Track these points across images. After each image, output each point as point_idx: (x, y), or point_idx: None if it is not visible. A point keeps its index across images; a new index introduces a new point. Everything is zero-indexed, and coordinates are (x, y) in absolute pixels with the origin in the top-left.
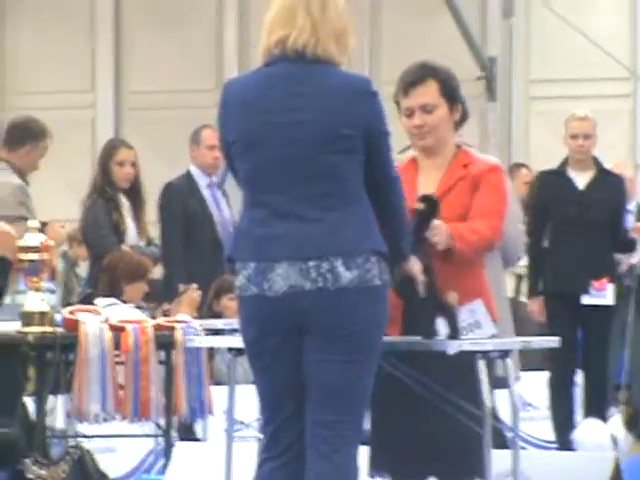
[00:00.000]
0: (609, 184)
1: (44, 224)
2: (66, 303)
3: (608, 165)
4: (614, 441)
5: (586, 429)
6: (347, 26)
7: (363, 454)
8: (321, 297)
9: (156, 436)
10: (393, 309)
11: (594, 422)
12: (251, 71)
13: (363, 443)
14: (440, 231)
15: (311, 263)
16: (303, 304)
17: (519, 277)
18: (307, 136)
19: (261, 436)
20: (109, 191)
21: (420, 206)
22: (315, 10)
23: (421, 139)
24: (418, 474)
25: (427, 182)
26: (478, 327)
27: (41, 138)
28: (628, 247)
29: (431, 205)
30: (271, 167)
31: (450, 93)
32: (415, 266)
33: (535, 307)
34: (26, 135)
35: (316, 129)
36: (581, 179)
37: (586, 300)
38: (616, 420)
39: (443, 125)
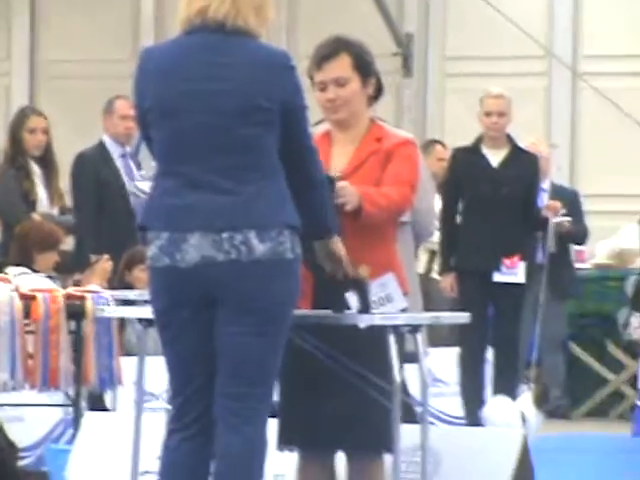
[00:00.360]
0: (523, 162)
1: None
2: None
3: (523, 143)
4: (523, 419)
5: (495, 406)
6: None
7: (272, 427)
8: (233, 269)
9: (65, 405)
10: (304, 282)
11: (503, 399)
12: (170, 39)
13: (272, 416)
14: (347, 192)
15: (224, 235)
16: (215, 275)
17: (432, 253)
18: (224, 106)
19: (169, 407)
20: (20, 159)
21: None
22: None
23: (334, 113)
24: (327, 447)
25: (340, 155)
26: (389, 301)
27: None
28: (541, 225)
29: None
30: (187, 136)
31: (363, 67)
32: (339, 244)
33: (447, 283)
34: None
35: (233, 100)
36: (495, 157)
37: (497, 277)
38: (526, 397)
39: (356, 99)
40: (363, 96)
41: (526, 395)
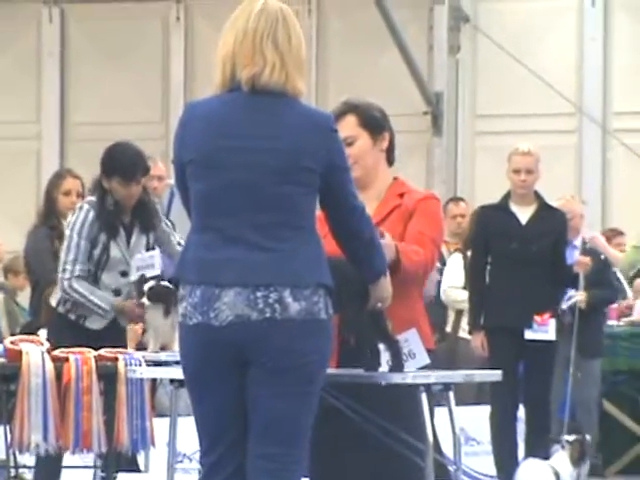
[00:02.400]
0: (551, 219)
1: None
2: (11, 334)
3: (555, 201)
4: (557, 477)
5: (528, 469)
6: (304, 53)
7: None
8: (268, 327)
9: (97, 467)
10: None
11: (535, 461)
12: (215, 95)
13: (304, 475)
14: (386, 244)
15: (259, 293)
16: (249, 334)
17: (459, 312)
18: (268, 164)
19: (200, 467)
20: (53, 220)
21: None
22: (282, 41)
23: None
24: None
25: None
26: (412, 357)
27: None
28: (571, 282)
29: None
30: (226, 191)
31: (370, 123)
32: (388, 285)
33: (477, 342)
34: None
35: (277, 158)
36: (523, 214)
37: (529, 335)
38: (561, 456)
39: (368, 155)
40: (376, 152)
41: (561, 454)
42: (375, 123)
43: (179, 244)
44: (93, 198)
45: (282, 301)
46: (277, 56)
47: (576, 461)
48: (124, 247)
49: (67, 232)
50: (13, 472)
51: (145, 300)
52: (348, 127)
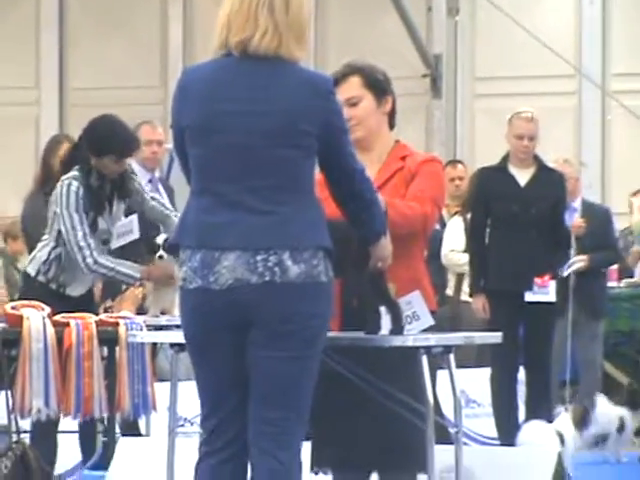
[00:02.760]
0: (550, 181)
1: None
2: (10, 299)
3: (551, 162)
4: (561, 438)
5: (530, 431)
6: (307, 21)
7: (305, 450)
8: (267, 291)
9: (99, 432)
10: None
11: (537, 423)
12: (212, 60)
13: (305, 439)
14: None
15: (259, 257)
16: (248, 298)
17: (460, 276)
18: (265, 127)
19: (201, 431)
20: (50, 185)
21: None
22: (279, 7)
23: (352, 133)
24: (361, 469)
25: None
26: (416, 319)
27: None
28: (567, 243)
29: None
30: (224, 155)
31: (374, 84)
32: (388, 245)
33: (479, 304)
34: None
35: (274, 121)
36: (522, 176)
37: (529, 297)
38: (563, 418)
39: (371, 116)
40: (379, 113)
41: (564, 416)
42: (379, 85)
43: (153, 199)
44: (76, 173)
45: (282, 264)
46: (271, 22)
47: (579, 424)
48: (108, 217)
49: (62, 211)
50: (15, 437)
51: (163, 253)
52: (352, 87)
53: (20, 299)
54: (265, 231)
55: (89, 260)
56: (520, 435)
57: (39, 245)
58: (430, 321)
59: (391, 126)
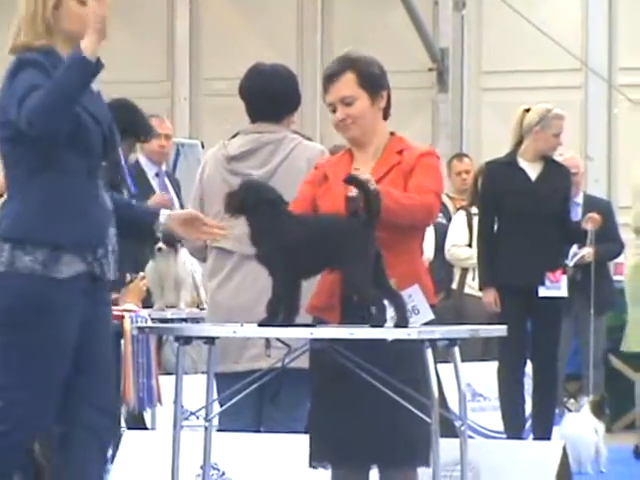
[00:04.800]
0: (558, 175)
1: None
2: None
3: (557, 156)
4: (596, 430)
5: (570, 423)
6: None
7: (304, 444)
8: None
9: None
10: (331, 296)
11: (577, 415)
12: None
13: (304, 432)
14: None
15: None
16: None
17: (464, 270)
18: None
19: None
20: None
21: (352, 193)
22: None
23: (346, 131)
24: (361, 463)
25: (362, 172)
26: (416, 313)
27: None
28: (580, 238)
29: (362, 188)
30: None
31: (369, 82)
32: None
33: (490, 298)
34: None
35: None
36: (532, 170)
37: (542, 292)
38: (587, 410)
39: (366, 115)
40: (374, 111)
41: (586, 409)
42: (374, 82)
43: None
44: None
45: None
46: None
47: (600, 416)
48: None
49: None
50: None
51: (161, 244)
52: (347, 86)
53: None
54: None
55: None
56: (562, 426)
57: None
58: (430, 315)
59: (385, 117)
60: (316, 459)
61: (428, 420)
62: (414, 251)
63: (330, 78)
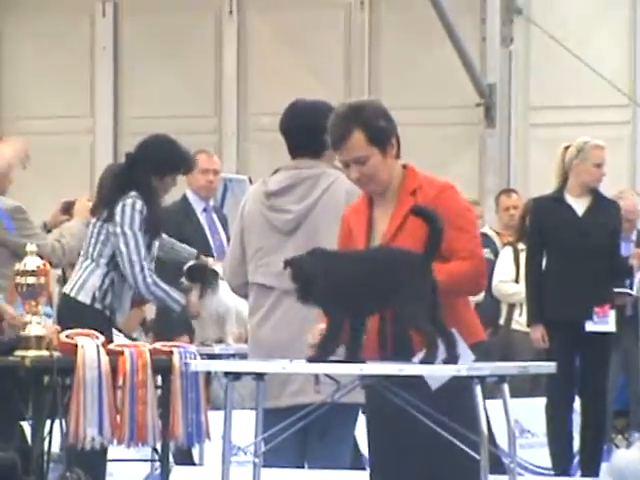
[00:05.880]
0: (606, 210)
1: (71, 203)
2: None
3: (610, 193)
4: None
5: (622, 459)
6: None
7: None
8: None
9: (153, 460)
10: (371, 333)
11: (627, 452)
12: None
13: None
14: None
15: None
16: None
17: (511, 306)
18: None
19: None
20: (100, 212)
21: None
22: None
23: (364, 187)
24: None
25: (383, 217)
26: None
27: None
28: (626, 273)
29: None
30: None
31: (379, 138)
32: None
33: (538, 334)
34: None
35: None
36: (579, 205)
37: (590, 327)
38: (638, 446)
39: (380, 170)
40: (388, 162)
41: (638, 444)
42: (383, 136)
43: None
44: (136, 193)
45: None
46: None
47: None
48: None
49: (125, 230)
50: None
51: (183, 280)
52: (358, 147)
53: (70, 327)
54: None
55: (149, 280)
56: (612, 462)
57: (79, 271)
58: (472, 357)
59: (397, 156)
60: None
61: (477, 457)
62: (460, 304)
63: (339, 140)
